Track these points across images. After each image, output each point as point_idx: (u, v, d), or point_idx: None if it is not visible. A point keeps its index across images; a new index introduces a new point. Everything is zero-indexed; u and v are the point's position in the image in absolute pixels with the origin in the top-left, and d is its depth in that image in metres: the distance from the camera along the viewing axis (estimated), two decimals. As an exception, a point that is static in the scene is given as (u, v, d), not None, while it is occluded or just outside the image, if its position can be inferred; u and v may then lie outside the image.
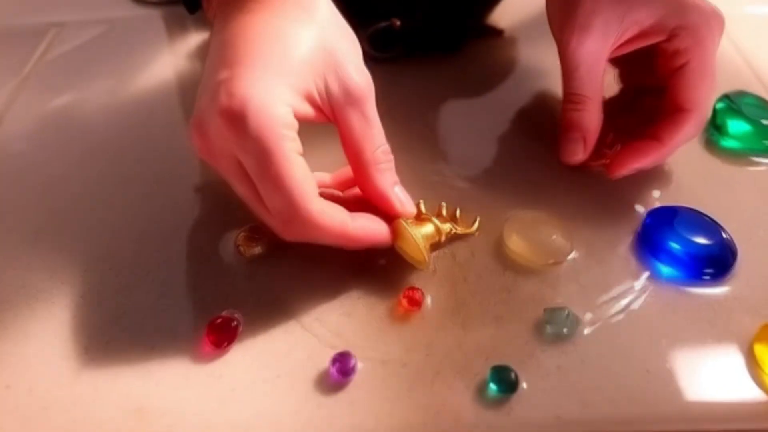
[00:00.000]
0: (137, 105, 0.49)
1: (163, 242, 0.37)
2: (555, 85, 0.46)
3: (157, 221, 0.39)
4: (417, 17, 0.46)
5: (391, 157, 0.34)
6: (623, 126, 0.41)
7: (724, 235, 0.36)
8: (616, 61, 0.42)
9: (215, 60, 0.31)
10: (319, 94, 0.31)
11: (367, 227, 0.33)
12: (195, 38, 0.56)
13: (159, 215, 0.39)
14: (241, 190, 0.32)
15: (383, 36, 0.45)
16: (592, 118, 0.39)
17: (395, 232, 0.35)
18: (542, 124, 0.45)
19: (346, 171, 0.36)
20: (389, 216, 0.34)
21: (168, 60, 0.54)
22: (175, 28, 0.58)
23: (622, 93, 0.44)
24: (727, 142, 0.43)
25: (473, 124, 0.45)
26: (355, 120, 0.32)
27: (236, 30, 0.31)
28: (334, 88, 0.31)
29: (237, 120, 0.29)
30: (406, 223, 0.34)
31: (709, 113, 0.38)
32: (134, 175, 0.42)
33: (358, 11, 0.38)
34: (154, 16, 0.60)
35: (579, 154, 0.40)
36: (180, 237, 0.38)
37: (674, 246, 0.35)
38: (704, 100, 0.38)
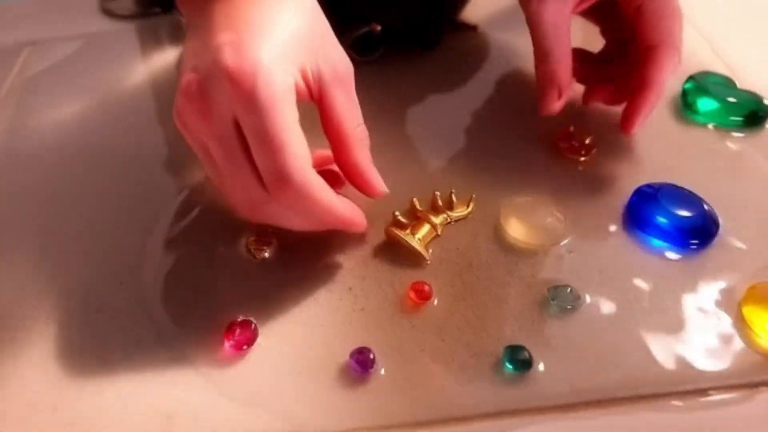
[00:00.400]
0: (118, 117, 0.49)
1: (169, 251, 0.38)
2: (531, 72, 0.48)
3: (160, 232, 0.39)
4: (395, 20, 0.47)
5: (368, 134, 0.36)
6: (609, 75, 0.44)
7: (705, 207, 0.38)
8: (592, 17, 0.45)
9: (211, 26, 0.31)
10: (312, 72, 0.33)
11: (349, 208, 0.35)
12: (169, 50, 0.56)
13: (160, 225, 0.40)
14: (228, 156, 0.31)
15: (364, 40, 0.47)
16: (563, 72, 0.41)
17: (392, 240, 0.37)
18: (522, 111, 0.47)
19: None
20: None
21: (143, 73, 0.54)
22: (149, 40, 0.59)
23: (607, 46, 0.47)
24: (698, 119, 0.45)
25: (456, 117, 0.47)
26: (340, 99, 0.33)
27: (229, 1, 0.32)
28: (324, 68, 0.33)
29: (246, 79, 0.29)
30: (401, 232, 0.36)
31: (680, 44, 0.40)
32: (125, 188, 0.43)
33: (339, 17, 0.39)
34: (126, 29, 0.59)
35: (554, 103, 0.42)
36: (187, 245, 0.38)
37: (661, 220, 0.37)
38: (669, 32, 0.40)
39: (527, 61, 0.51)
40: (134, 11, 0.61)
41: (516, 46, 0.52)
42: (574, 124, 0.44)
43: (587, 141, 0.43)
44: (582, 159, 0.42)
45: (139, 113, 0.49)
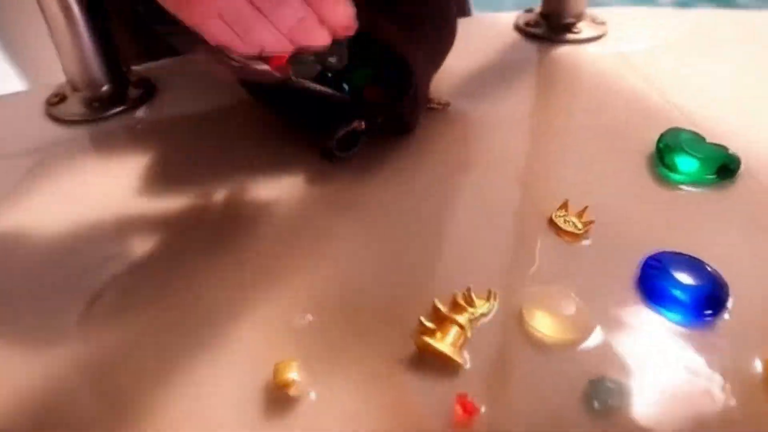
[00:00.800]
0: (84, 230, 0.46)
1: (190, 390, 0.35)
2: (507, 143, 0.49)
3: (175, 368, 0.37)
4: (376, 118, 0.47)
5: None
6: None
7: (709, 269, 0.39)
8: None
9: None
10: None
11: None
12: (127, 156, 0.54)
13: (176, 362, 0.37)
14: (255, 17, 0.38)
15: (347, 138, 0.46)
16: None
17: (422, 349, 0.36)
18: (510, 188, 0.47)
19: None
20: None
21: (101, 179, 0.51)
22: (103, 146, 0.56)
23: None
24: (678, 178, 0.47)
25: (446, 204, 0.47)
26: None
27: None
28: None
29: None
30: (431, 339, 0.36)
31: None
32: (109, 318, 0.40)
33: (317, 118, 0.40)
34: (80, 136, 0.56)
35: None
36: (206, 383, 0.36)
37: (677, 293, 0.38)
38: None
39: (503, 133, 0.52)
40: (83, 114, 0.58)
41: (488, 117, 0.53)
42: (568, 195, 0.45)
43: (584, 215, 0.44)
44: (583, 233, 0.43)
45: (106, 221, 0.47)
